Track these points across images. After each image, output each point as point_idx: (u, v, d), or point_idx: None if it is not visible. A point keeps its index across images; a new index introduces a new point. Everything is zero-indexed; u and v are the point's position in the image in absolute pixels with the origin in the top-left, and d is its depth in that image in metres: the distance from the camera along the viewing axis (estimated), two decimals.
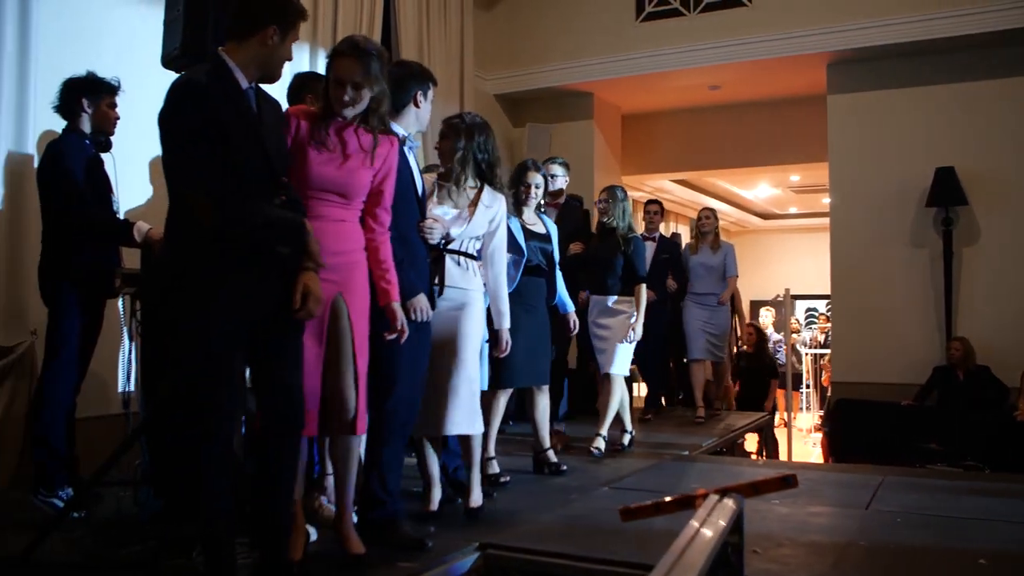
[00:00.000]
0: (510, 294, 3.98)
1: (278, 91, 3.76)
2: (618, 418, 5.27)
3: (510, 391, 4.45)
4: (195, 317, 2.42)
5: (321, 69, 3.40)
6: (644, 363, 6.83)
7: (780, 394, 10.39)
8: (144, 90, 3.62)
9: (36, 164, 3.96)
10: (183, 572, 2.71)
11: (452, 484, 3.95)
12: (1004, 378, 6.73)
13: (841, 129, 7.66)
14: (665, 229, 10.66)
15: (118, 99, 3.84)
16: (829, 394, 9.23)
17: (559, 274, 4.77)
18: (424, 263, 3.30)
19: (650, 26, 8.00)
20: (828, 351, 10.10)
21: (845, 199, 7.71)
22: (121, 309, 3.87)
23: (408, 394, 3.17)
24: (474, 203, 3.60)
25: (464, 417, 3.49)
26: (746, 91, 8.65)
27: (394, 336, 2.93)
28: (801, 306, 15.11)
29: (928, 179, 7.11)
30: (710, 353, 6.86)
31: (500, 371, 4.18)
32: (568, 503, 3.97)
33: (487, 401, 4.07)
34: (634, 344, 5.16)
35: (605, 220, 5.29)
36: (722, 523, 2.03)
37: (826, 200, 8.90)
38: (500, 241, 3.74)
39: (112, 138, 3.84)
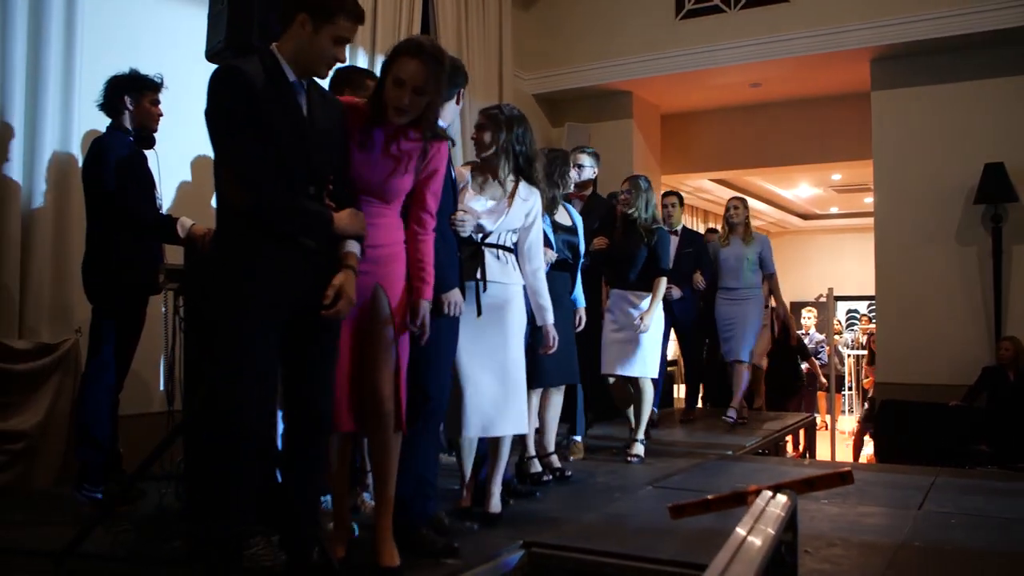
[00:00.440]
0: None
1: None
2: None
3: (540, 390, 4.31)
4: (224, 309, 2.40)
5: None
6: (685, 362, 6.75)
7: (822, 396, 10.26)
8: (188, 86, 3.64)
9: (81, 163, 3.99)
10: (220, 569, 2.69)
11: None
12: None
13: (885, 126, 7.51)
14: (704, 229, 10.58)
15: (161, 96, 3.85)
16: (871, 395, 9.06)
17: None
18: (456, 256, 3.23)
19: (690, 24, 7.91)
20: (863, 352, 9.96)
21: (889, 197, 7.55)
22: (163, 306, 3.88)
23: (436, 392, 3.08)
24: (511, 195, 3.52)
25: (515, 417, 3.43)
26: (787, 88, 8.52)
27: (412, 330, 2.83)
28: (842, 308, 14.91)
29: (976, 176, 6.95)
30: (746, 352, 6.44)
31: (532, 370, 4.00)
32: (612, 502, 3.92)
33: None
34: (660, 343, 4.99)
35: (628, 211, 5.06)
36: (775, 521, 1.98)
37: (868, 200, 8.77)
38: (537, 235, 3.67)
39: (155, 135, 3.85)
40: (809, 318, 10.02)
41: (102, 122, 3.86)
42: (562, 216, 4.45)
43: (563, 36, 8.44)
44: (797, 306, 12.17)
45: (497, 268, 3.45)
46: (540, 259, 3.70)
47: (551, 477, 4.29)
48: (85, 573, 2.70)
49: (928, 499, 4.00)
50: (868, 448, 8.74)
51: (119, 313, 3.67)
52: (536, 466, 4.24)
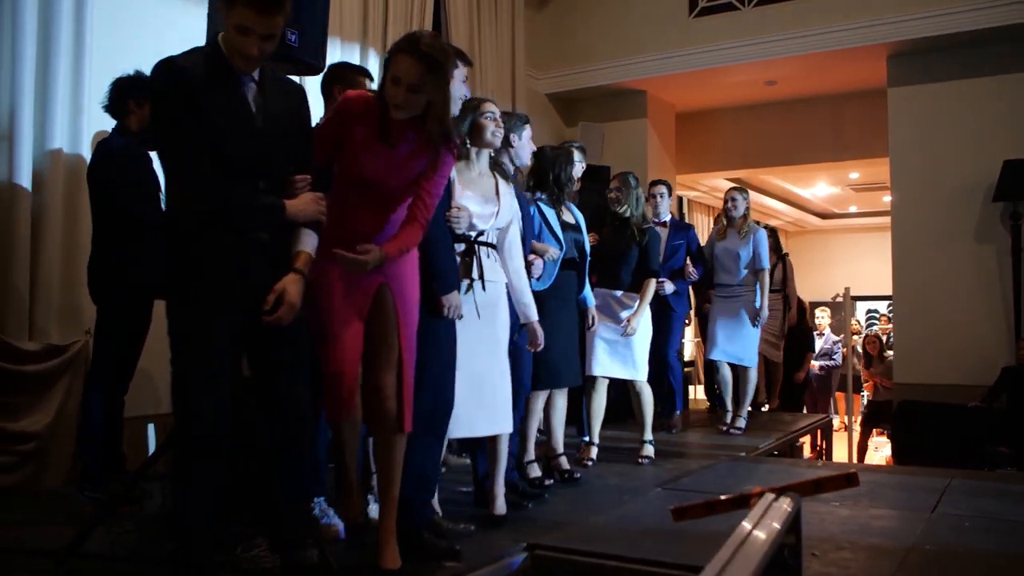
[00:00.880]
0: (547, 290, 3.90)
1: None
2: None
3: (546, 392, 4.25)
4: (175, 307, 2.35)
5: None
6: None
7: (840, 397, 10.17)
8: None
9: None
10: (224, 568, 2.69)
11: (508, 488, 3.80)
12: None
13: (902, 123, 7.43)
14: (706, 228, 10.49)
15: None
16: (871, 397, 8.92)
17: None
18: (455, 258, 3.19)
19: (704, 21, 7.86)
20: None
21: (906, 195, 7.47)
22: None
23: (439, 393, 3.04)
24: (497, 191, 3.47)
25: (496, 417, 3.39)
26: (803, 86, 8.45)
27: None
28: (862, 308, 14.77)
29: (994, 173, 6.85)
30: (749, 357, 6.02)
31: (537, 372, 3.99)
32: (621, 504, 3.88)
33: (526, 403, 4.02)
34: (648, 345, 4.86)
35: (618, 210, 4.92)
36: (776, 523, 1.94)
37: (887, 198, 8.66)
38: (516, 233, 3.61)
39: None
40: (823, 318, 9.88)
41: (111, 124, 3.87)
42: (567, 214, 4.38)
43: (577, 35, 8.41)
44: (815, 306, 12.08)
45: (488, 266, 3.40)
46: (521, 257, 3.63)
47: (552, 480, 4.24)
48: (85, 572, 2.69)
49: (942, 501, 3.92)
50: (886, 450, 8.65)
51: (124, 314, 3.67)
52: (535, 470, 4.15)
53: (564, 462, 4.41)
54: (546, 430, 4.44)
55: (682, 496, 3.92)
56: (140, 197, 3.65)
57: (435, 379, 3.01)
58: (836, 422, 9.96)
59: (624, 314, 4.77)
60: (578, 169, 4.96)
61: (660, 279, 5.34)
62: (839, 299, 9.19)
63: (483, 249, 3.39)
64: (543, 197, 4.22)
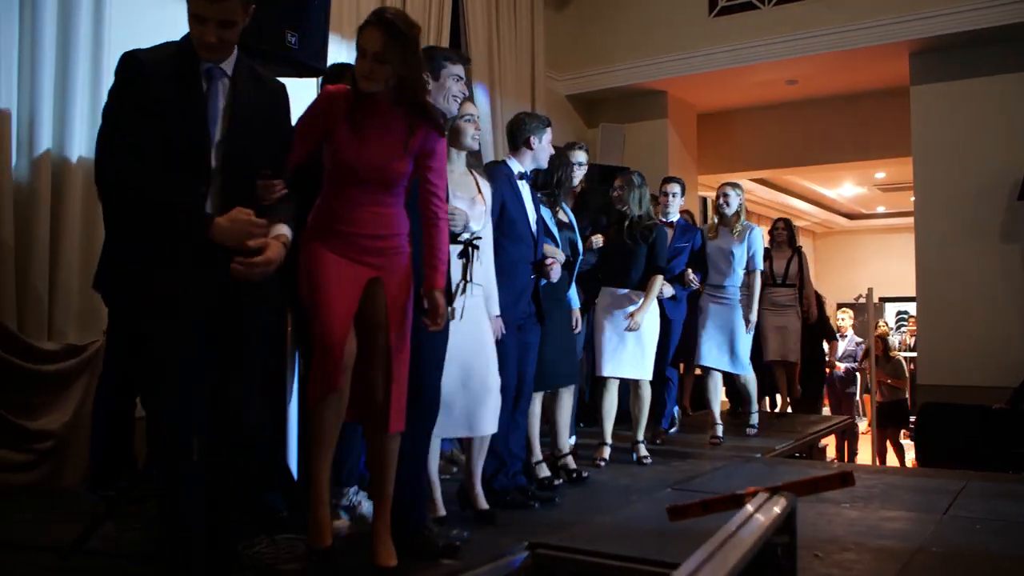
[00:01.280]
0: (541, 289, 3.92)
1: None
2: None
3: (542, 393, 4.24)
4: (136, 311, 2.38)
5: None
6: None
7: (867, 400, 10.04)
8: None
9: None
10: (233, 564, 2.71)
11: (514, 489, 3.80)
12: None
13: (925, 121, 7.34)
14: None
15: None
16: (879, 399, 8.77)
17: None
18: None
19: (723, 21, 7.83)
20: (912, 354, 9.71)
21: (930, 194, 7.38)
22: None
23: (432, 392, 3.04)
24: (479, 190, 3.47)
25: (493, 416, 3.40)
26: (825, 85, 8.38)
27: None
28: (891, 309, 14.61)
29: (1020, 171, 6.75)
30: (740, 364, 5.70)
31: (538, 372, 3.97)
32: (628, 504, 3.88)
33: None
34: (654, 342, 4.80)
35: (622, 208, 4.85)
36: (765, 521, 1.93)
37: (914, 198, 8.56)
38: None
39: None
40: (844, 319, 9.75)
41: None
42: (561, 214, 4.41)
43: (596, 36, 8.40)
44: (840, 307, 11.96)
45: (477, 267, 3.40)
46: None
47: (561, 480, 4.24)
48: (91, 570, 2.73)
49: (956, 504, 3.87)
50: (911, 453, 8.54)
51: (136, 315, 3.72)
52: (544, 470, 4.17)
53: (571, 461, 4.40)
54: (551, 430, 4.42)
55: (692, 497, 3.90)
56: None
57: (430, 378, 3.01)
58: (863, 425, 9.85)
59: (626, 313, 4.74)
60: (582, 169, 4.90)
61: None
62: (861, 300, 9.06)
63: (475, 251, 3.38)
64: (540, 198, 4.23)
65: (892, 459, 9.35)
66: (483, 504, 3.51)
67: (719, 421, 5.71)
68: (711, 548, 1.69)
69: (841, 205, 14.18)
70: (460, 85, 3.20)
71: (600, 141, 8.43)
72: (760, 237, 5.81)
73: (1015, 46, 6.84)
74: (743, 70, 7.90)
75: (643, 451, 4.89)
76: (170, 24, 4.69)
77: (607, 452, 4.83)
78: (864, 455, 8.85)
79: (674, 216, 5.64)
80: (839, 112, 8.82)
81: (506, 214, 3.64)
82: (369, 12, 5.69)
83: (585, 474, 4.37)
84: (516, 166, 3.88)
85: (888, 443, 9.12)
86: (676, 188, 5.62)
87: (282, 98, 2.55)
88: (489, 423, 3.39)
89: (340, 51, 5.60)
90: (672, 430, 5.93)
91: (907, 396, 9.19)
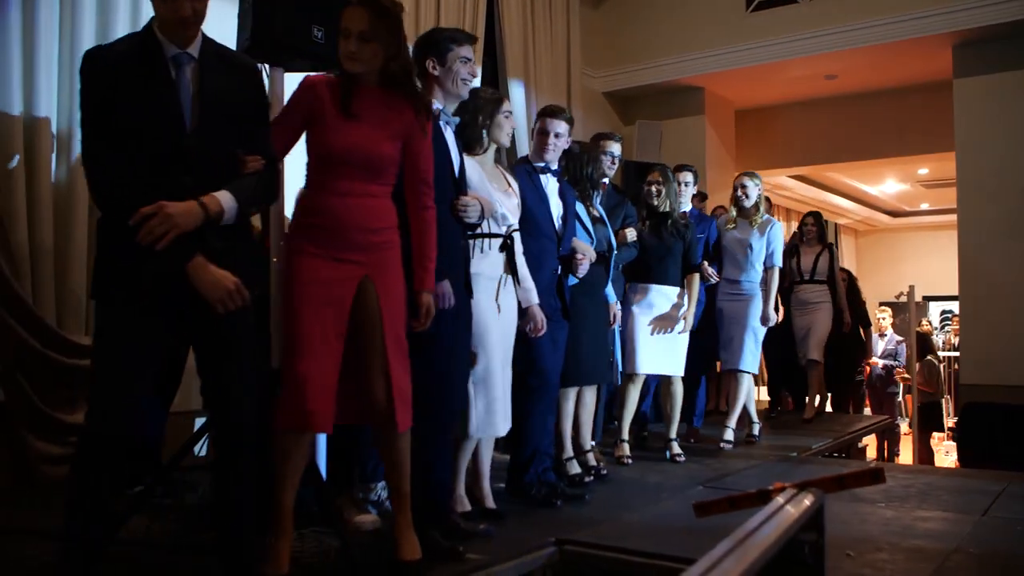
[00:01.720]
0: (576, 285, 3.90)
1: None
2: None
3: (576, 390, 4.23)
4: (98, 309, 2.31)
5: None
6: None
7: (909, 400, 9.87)
8: None
9: None
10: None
11: (542, 485, 3.79)
12: None
13: (968, 115, 7.17)
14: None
15: None
16: (919, 401, 8.56)
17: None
18: (453, 246, 3.03)
19: (761, 15, 7.74)
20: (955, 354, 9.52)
21: (973, 190, 7.20)
22: None
23: (448, 390, 3.02)
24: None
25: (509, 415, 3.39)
26: (864, 79, 8.25)
27: (419, 328, 2.71)
28: (936, 308, 14.34)
29: None
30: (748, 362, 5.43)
31: (567, 369, 3.95)
32: (659, 501, 3.86)
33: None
34: (686, 338, 4.77)
35: (658, 205, 4.75)
36: (790, 517, 1.90)
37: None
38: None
39: None
40: (884, 318, 9.56)
41: None
42: (593, 209, 4.35)
43: (632, 32, 8.35)
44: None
45: (519, 261, 3.39)
46: (521, 243, 3.54)
47: (592, 477, 4.22)
48: (120, 560, 2.76)
49: (995, 505, 3.79)
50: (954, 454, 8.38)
51: None
52: (575, 467, 4.17)
53: (591, 458, 4.38)
54: (575, 427, 4.37)
55: (724, 495, 3.86)
56: None
57: (441, 375, 2.97)
58: (905, 426, 9.69)
59: (673, 309, 4.71)
60: (613, 162, 4.74)
61: None
62: (902, 298, 8.90)
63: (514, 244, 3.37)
64: (573, 192, 4.21)
65: (938, 461, 9.21)
66: (490, 503, 3.49)
67: (756, 420, 5.67)
68: (731, 544, 1.66)
69: (883, 202, 13.96)
70: (469, 67, 3.08)
71: (636, 138, 8.37)
72: (780, 232, 5.61)
73: None
74: (781, 65, 7.80)
75: (676, 448, 4.86)
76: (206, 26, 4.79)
77: (627, 448, 4.80)
78: (906, 456, 8.72)
79: (686, 206, 5.43)
80: (880, 107, 8.67)
81: (525, 209, 3.60)
82: (422, 15, 5.78)
83: (604, 471, 4.35)
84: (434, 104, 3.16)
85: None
86: (689, 177, 5.44)
87: (254, 77, 2.48)
88: (508, 421, 3.39)
89: None
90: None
91: (941, 399, 9.01)
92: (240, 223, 2.37)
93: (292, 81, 2.84)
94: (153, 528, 2.97)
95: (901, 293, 9.03)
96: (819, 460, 5.27)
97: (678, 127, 8.50)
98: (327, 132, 2.57)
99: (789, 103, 9.07)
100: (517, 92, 6.99)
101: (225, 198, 2.27)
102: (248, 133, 2.40)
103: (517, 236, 3.45)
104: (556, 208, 3.83)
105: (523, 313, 3.49)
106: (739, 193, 5.54)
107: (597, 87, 8.47)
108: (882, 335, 9.36)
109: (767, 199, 5.92)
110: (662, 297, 4.72)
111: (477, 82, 3.56)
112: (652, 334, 4.67)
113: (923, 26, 6.94)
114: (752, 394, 5.68)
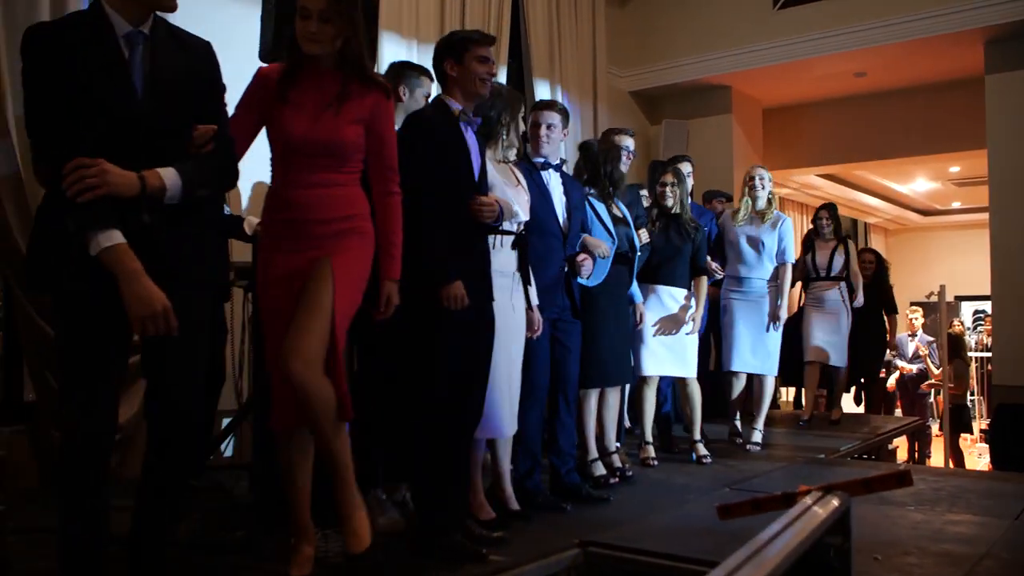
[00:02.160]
0: (598, 285, 3.85)
1: None
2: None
3: (597, 391, 4.19)
4: (54, 308, 2.22)
5: None
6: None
7: (940, 401, 9.74)
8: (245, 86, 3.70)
9: None
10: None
11: (563, 488, 3.80)
12: None
13: (1000, 112, 7.06)
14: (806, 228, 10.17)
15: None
16: (949, 404, 8.37)
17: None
18: (472, 248, 3.01)
19: (789, 13, 7.66)
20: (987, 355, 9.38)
21: (1006, 188, 7.09)
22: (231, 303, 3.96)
23: (467, 394, 2.99)
24: (516, 177, 3.41)
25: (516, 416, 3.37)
26: (895, 77, 8.14)
27: (381, 318, 2.63)
28: (968, 308, 14.15)
29: None
30: (764, 364, 5.26)
31: (587, 370, 3.93)
32: (684, 503, 3.82)
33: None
34: (696, 339, 4.74)
35: (670, 205, 4.71)
36: (814, 520, 1.87)
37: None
38: None
39: None
40: (916, 318, 9.42)
41: None
42: (615, 209, 4.31)
43: (659, 31, 8.31)
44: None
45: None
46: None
47: (616, 479, 4.19)
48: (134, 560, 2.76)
49: None
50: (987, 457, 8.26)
51: None
52: (600, 468, 4.14)
53: (615, 460, 4.33)
54: (599, 428, 4.34)
55: (748, 497, 3.82)
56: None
57: (459, 379, 2.95)
58: (936, 427, 9.56)
59: (681, 311, 4.66)
60: (628, 157, 4.61)
61: None
62: (933, 297, 8.77)
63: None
64: (593, 192, 4.18)
65: (969, 463, 9.07)
66: (514, 504, 3.46)
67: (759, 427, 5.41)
68: (755, 547, 1.63)
69: (914, 201, 13.78)
70: (487, 66, 3.03)
71: (663, 137, 8.33)
72: (791, 228, 5.41)
73: None
74: (809, 63, 7.72)
75: (702, 450, 4.82)
76: (196, 15, 4.76)
77: (652, 450, 4.76)
78: (937, 458, 8.60)
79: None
80: (910, 104, 8.56)
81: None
82: (428, 12, 5.76)
83: (629, 472, 4.32)
84: (454, 104, 3.11)
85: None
86: (688, 168, 5.28)
87: (207, 55, 2.37)
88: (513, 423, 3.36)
89: (399, 50, 5.65)
90: None
91: (967, 401, 8.85)
92: (212, 214, 2.29)
93: None
94: (180, 528, 2.98)
95: (932, 293, 8.90)
96: (848, 462, 5.20)
97: (705, 126, 8.45)
98: (284, 121, 2.51)
99: (818, 101, 8.97)
100: (543, 92, 6.97)
101: (168, 175, 2.14)
102: (202, 110, 2.30)
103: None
104: (560, 204, 3.78)
105: None
106: (756, 183, 5.35)
107: (623, 86, 8.43)
108: (912, 335, 9.23)
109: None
110: (669, 298, 4.69)
111: (503, 82, 3.55)
112: (658, 335, 4.63)
113: (954, 22, 6.84)
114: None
